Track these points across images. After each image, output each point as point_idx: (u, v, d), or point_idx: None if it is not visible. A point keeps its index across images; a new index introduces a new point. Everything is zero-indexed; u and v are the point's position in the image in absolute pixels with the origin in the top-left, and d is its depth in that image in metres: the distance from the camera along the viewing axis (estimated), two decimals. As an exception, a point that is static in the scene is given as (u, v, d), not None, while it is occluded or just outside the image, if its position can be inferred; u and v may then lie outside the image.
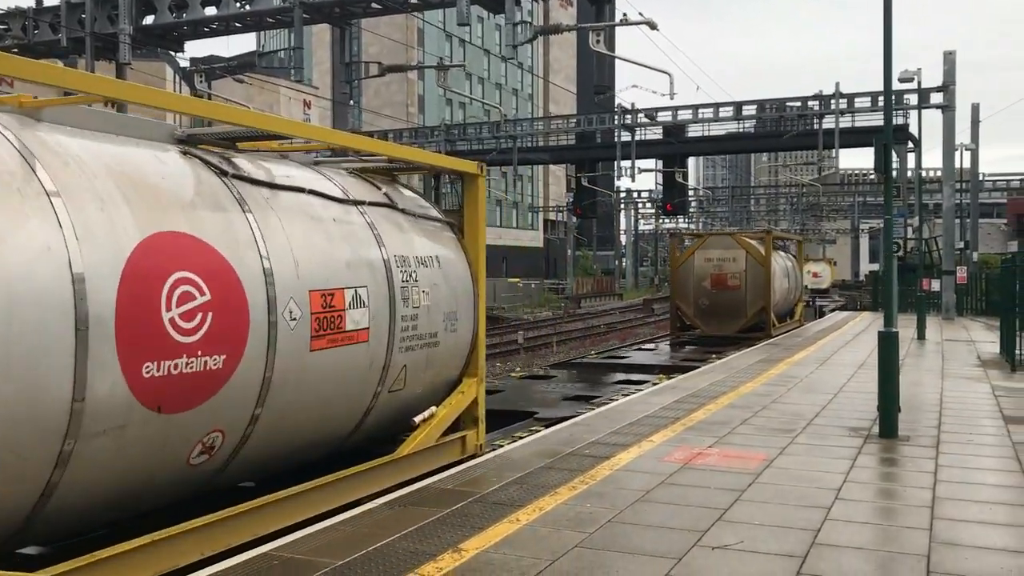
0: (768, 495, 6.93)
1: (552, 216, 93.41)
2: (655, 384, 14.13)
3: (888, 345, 9.62)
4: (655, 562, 5.33)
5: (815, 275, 61.44)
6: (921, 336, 22.23)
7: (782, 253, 26.74)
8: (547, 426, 10.35)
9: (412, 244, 7.83)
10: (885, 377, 9.51)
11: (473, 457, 8.31)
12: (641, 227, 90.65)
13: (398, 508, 6.48)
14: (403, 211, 7.99)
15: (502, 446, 9.05)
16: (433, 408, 8.06)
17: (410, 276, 7.58)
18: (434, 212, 8.69)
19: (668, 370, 17.29)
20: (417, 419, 7.85)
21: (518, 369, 21.23)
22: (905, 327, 22.98)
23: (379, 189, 7.95)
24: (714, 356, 18.69)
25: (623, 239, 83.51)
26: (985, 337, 22.85)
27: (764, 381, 13.77)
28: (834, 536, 5.88)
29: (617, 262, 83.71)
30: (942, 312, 31.56)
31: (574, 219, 75.33)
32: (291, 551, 5.50)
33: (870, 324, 26.96)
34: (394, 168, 8.52)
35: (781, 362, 16.23)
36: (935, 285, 32.25)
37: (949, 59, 32.44)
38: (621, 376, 17.36)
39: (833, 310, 40.09)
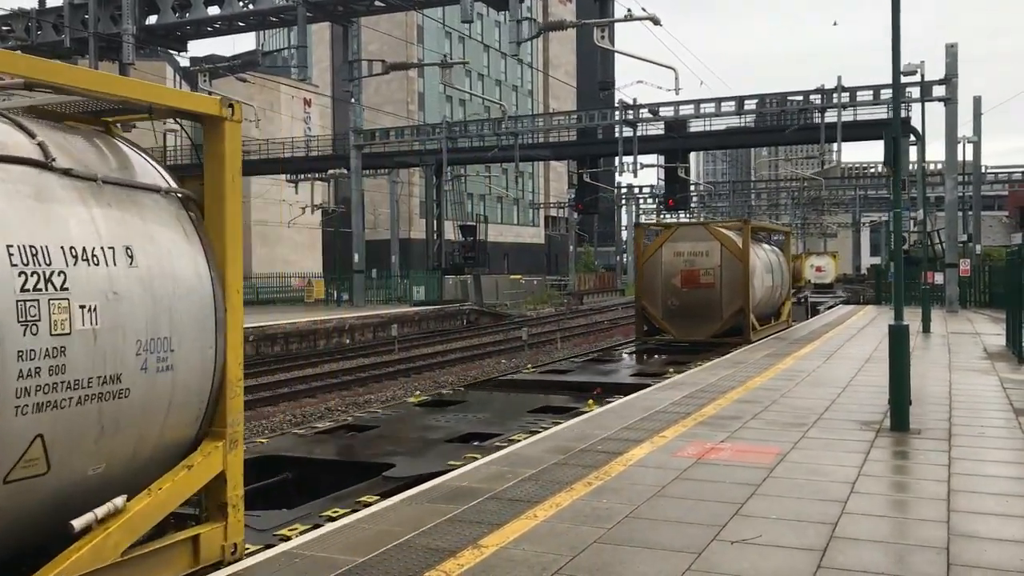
0: (783, 489, 6.95)
1: (554, 212, 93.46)
2: (584, 412, 11.01)
3: (898, 339, 9.63)
4: (675, 556, 5.35)
5: (818, 269, 60.66)
6: (926, 329, 22.24)
7: (766, 246, 24.45)
8: (405, 486, 7.48)
9: (66, 228, 4.65)
10: (896, 370, 9.52)
11: (219, 567, 5.31)
12: (643, 222, 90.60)
13: (416, 505, 6.50)
14: (67, 173, 4.82)
15: (289, 538, 6.18)
16: (118, 500, 4.82)
17: (47, 282, 4.44)
18: (145, 178, 5.52)
19: (609, 390, 13.69)
20: (79, 523, 4.62)
21: (418, 393, 17.04)
22: (910, 320, 22.97)
23: (33, 138, 4.82)
24: (671, 370, 15.66)
25: (624, 235, 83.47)
26: (990, 329, 22.85)
27: (772, 376, 13.79)
28: (852, 529, 5.90)
29: (619, 258, 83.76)
30: (946, 305, 31.57)
31: (576, 215, 75.39)
32: (313, 548, 5.52)
33: (874, 318, 26.97)
34: (102, 112, 5.73)
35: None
36: (938, 278, 32.25)
37: (951, 52, 32.43)
38: (551, 398, 13.58)
39: (831, 306, 37.07)
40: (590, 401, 11.98)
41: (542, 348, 28.58)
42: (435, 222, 49.75)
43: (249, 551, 5.67)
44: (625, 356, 20.27)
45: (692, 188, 70.13)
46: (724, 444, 8.61)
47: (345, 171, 46.65)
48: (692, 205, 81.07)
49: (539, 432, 9.56)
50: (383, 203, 62.46)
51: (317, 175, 52.22)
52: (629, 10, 21.18)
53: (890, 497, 6.94)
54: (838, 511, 6.33)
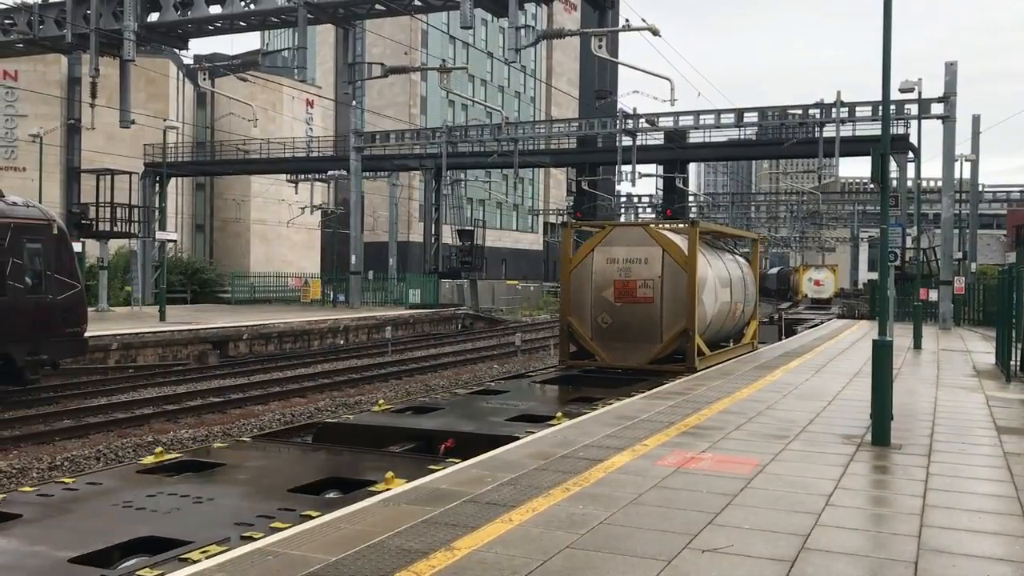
0: (760, 500, 6.99)
1: (552, 219, 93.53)
2: (382, 492, 7.23)
3: (882, 354, 9.68)
4: (645, 564, 5.39)
5: (816, 283, 58.89)
6: (917, 345, 22.31)
7: (729, 256, 20.60)
8: None
9: None
10: (878, 385, 9.58)
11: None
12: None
13: (392, 506, 6.54)
14: None
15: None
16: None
17: None
18: None
19: (466, 442, 9.96)
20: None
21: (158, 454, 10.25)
22: (902, 336, 23.07)
23: None
24: (560, 414, 11.34)
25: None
26: (981, 347, 22.92)
27: (759, 388, 13.84)
28: (824, 541, 5.94)
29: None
30: (939, 322, 31.64)
31: (574, 222, 75.40)
32: (285, 547, 5.56)
33: (867, 333, 27.03)
34: None
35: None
36: (933, 295, 32.33)
37: (950, 70, 32.56)
38: (363, 460, 9.59)
39: (815, 324, 33.59)
40: (389, 474, 7.89)
41: (535, 354, 28.62)
42: (433, 226, 49.84)
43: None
44: (531, 386, 15.29)
45: (691, 199, 70.28)
46: (705, 454, 8.65)
47: (345, 172, 46.72)
48: (691, 216, 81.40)
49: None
50: (382, 205, 62.51)
51: (317, 176, 52.30)
52: (627, 20, 21.29)
53: (865, 511, 6.98)
54: (812, 523, 6.38)
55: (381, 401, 13.83)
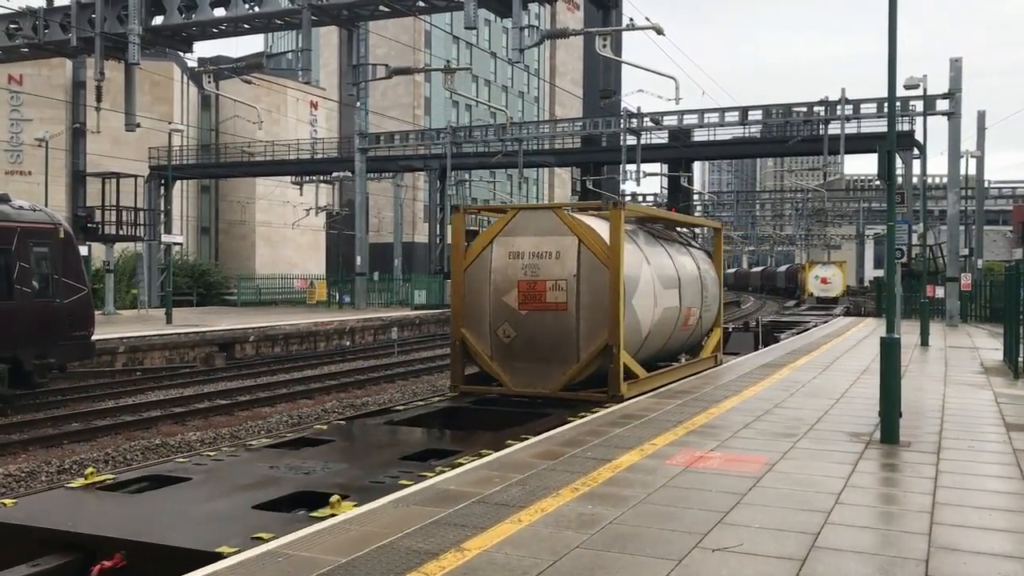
0: (769, 499, 6.98)
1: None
2: None
3: (890, 351, 9.67)
4: (655, 563, 5.39)
5: (823, 281, 55.61)
6: (924, 342, 22.26)
7: (681, 248, 16.57)
8: None
9: None
10: (886, 383, 9.56)
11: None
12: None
13: (402, 508, 6.54)
14: None
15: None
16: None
17: None
18: None
19: (143, 556, 6.17)
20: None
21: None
22: (909, 333, 23.04)
23: None
24: (337, 500, 6.89)
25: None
26: (989, 344, 22.87)
27: (767, 386, 13.82)
28: (833, 540, 5.93)
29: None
30: (946, 319, 31.58)
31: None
32: (296, 548, 5.57)
33: (873, 330, 26.98)
34: None
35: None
36: (940, 292, 32.27)
37: (955, 66, 32.49)
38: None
39: (806, 329, 29.14)
40: None
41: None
42: (438, 226, 49.86)
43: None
44: (379, 428, 10.94)
45: (695, 197, 70.20)
46: (714, 453, 8.63)
47: (350, 174, 46.78)
48: (695, 215, 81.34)
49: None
50: (387, 206, 62.58)
51: (322, 178, 52.38)
52: (631, 19, 21.26)
53: (874, 509, 6.97)
54: (821, 521, 6.37)
55: (90, 470, 8.24)
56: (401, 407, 12.74)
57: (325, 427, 11.32)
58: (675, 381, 14.39)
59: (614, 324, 12.04)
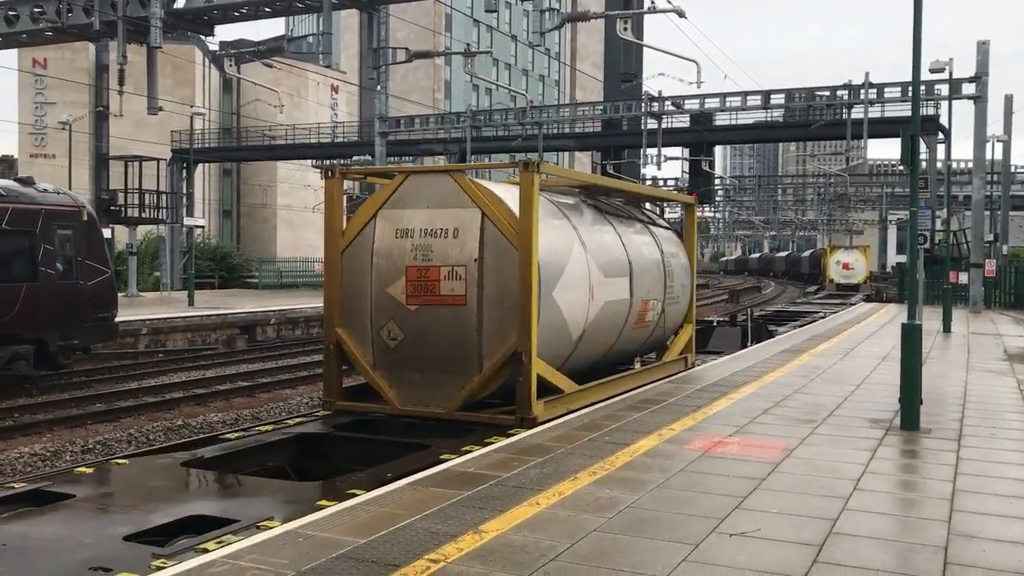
0: (787, 484, 6.97)
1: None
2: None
3: (911, 337, 9.60)
4: (672, 547, 5.40)
5: (845, 267, 52.99)
6: (947, 329, 22.09)
7: (639, 227, 13.74)
8: None
9: None
10: (907, 369, 9.50)
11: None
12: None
13: (420, 489, 6.59)
14: None
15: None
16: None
17: None
18: None
19: None
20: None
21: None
22: (931, 320, 22.85)
23: None
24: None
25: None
26: (1013, 331, 22.66)
27: (787, 372, 13.77)
28: (852, 526, 5.92)
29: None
30: (969, 305, 31.30)
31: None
32: (315, 529, 5.62)
33: (895, 316, 26.78)
34: None
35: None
36: (963, 278, 31.98)
37: (982, 49, 32.07)
38: None
39: (810, 321, 25.84)
40: None
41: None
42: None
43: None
44: (159, 472, 8.05)
45: (717, 182, 69.78)
46: (732, 438, 8.63)
47: (370, 158, 46.83)
48: (717, 199, 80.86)
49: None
50: (407, 190, 62.54)
51: (342, 161, 52.45)
52: (653, 2, 21.10)
53: (893, 495, 6.94)
54: (840, 507, 6.36)
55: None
56: (235, 435, 9.51)
57: (90, 470, 8.20)
58: (623, 393, 11.48)
59: (524, 324, 9.32)
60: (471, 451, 8.19)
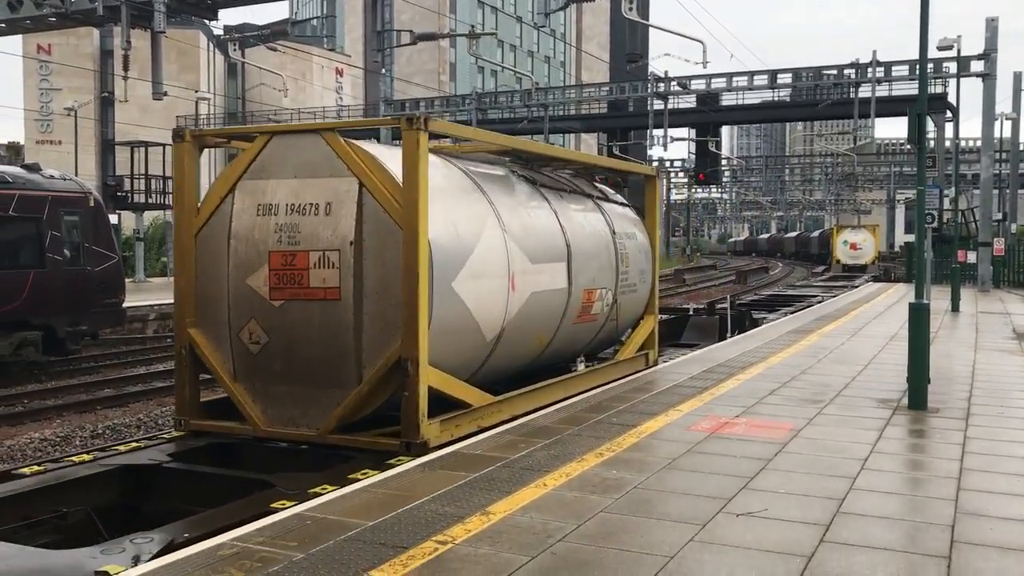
0: (794, 464, 6.98)
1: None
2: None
3: (918, 317, 9.58)
4: (679, 527, 5.42)
5: (853, 247, 52.04)
6: (955, 308, 22.02)
7: (588, 201, 11.83)
8: None
9: None
10: (915, 349, 9.48)
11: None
12: (673, 197, 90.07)
13: (428, 471, 6.61)
14: None
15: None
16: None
17: None
18: None
19: None
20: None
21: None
22: (939, 299, 22.79)
23: None
24: None
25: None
26: (1021, 310, 22.60)
27: (794, 352, 13.75)
28: (859, 505, 5.93)
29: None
30: (978, 284, 31.20)
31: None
32: (323, 511, 5.65)
33: (903, 296, 26.71)
34: None
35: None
36: (971, 257, 31.86)
37: (991, 26, 31.81)
38: None
39: (794, 309, 23.06)
40: None
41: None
42: (464, 193, 49.75)
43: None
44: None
45: (724, 162, 69.52)
46: (739, 419, 8.63)
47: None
48: (724, 180, 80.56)
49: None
50: (413, 174, 62.55)
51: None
52: (658, -19, 20.96)
53: (901, 475, 6.95)
54: (847, 487, 6.36)
55: None
56: (31, 469, 7.43)
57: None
58: (559, 402, 9.52)
59: (409, 324, 7.47)
60: (323, 493, 6.25)
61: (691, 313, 20.38)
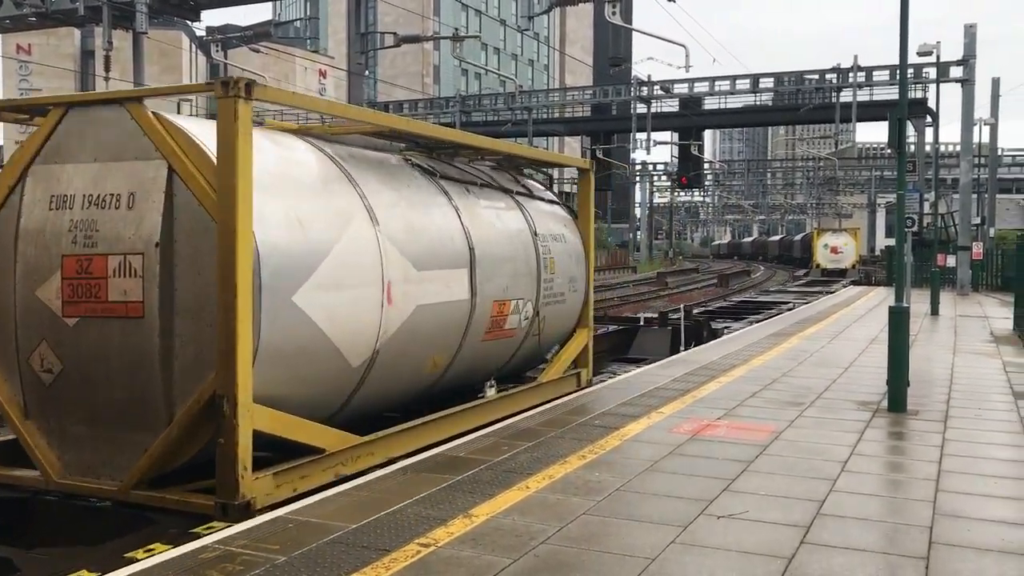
0: (775, 466, 7.02)
1: (567, 188, 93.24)
2: None
3: (898, 320, 9.66)
4: (660, 529, 5.44)
5: (833, 251, 51.49)
6: (935, 311, 22.21)
7: (506, 197, 10.12)
8: None
9: None
10: (894, 352, 9.56)
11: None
12: (656, 200, 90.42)
13: (411, 474, 6.61)
14: None
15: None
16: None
17: None
18: None
19: None
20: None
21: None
22: (919, 302, 22.97)
23: None
24: None
25: (638, 212, 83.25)
26: (999, 313, 22.80)
27: (776, 355, 13.83)
28: (839, 507, 5.97)
29: (632, 235, 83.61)
30: (957, 288, 31.47)
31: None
32: (306, 514, 5.64)
33: (883, 300, 26.91)
34: None
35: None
36: (951, 261, 32.13)
37: (970, 32, 32.14)
38: None
39: (763, 318, 21.92)
40: None
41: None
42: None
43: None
44: None
45: (706, 166, 69.79)
46: (721, 421, 8.67)
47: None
48: (707, 183, 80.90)
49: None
50: (396, 176, 62.47)
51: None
52: (641, -14, 21.07)
53: (880, 476, 7.00)
54: (827, 489, 6.41)
55: None
56: None
57: None
58: (459, 436, 7.94)
59: (226, 350, 5.80)
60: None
61: (641, 324, 18.64)
